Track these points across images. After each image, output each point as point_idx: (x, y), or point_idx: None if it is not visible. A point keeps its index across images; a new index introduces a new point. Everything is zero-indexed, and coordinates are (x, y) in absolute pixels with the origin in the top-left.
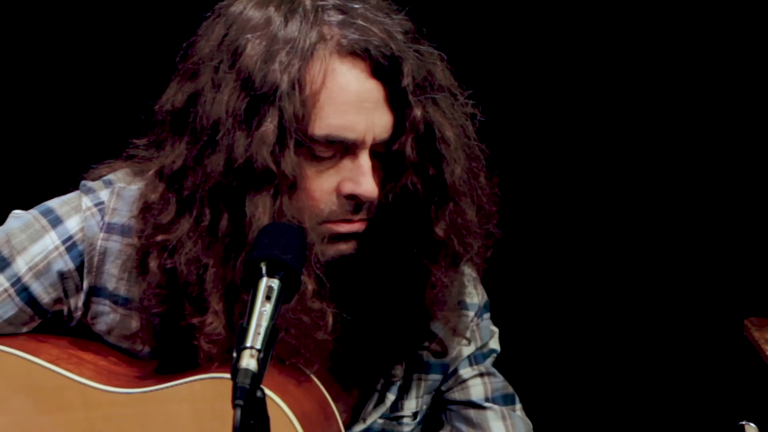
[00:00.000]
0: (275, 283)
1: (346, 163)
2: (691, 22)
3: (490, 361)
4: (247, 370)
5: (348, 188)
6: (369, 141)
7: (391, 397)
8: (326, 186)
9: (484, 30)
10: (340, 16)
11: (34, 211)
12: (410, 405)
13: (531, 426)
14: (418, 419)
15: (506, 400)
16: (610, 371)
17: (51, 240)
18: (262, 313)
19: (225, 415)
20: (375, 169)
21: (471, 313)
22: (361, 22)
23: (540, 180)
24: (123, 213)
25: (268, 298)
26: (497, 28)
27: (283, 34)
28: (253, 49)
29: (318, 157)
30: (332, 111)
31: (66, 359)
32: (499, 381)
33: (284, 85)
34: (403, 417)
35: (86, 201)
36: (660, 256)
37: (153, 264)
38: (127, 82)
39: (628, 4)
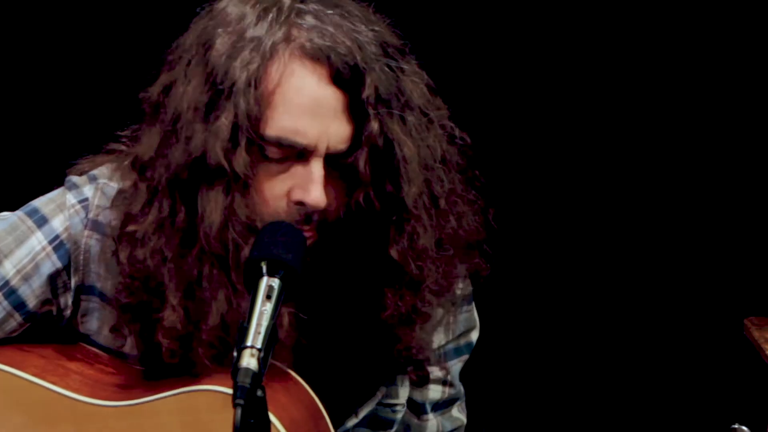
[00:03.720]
0: (276, 282)
1: (299, 169)
2: (690, 22)
3: (458, 364)
4: (247, 369)
5: (297, 195)
6: (322, 149)
7: (382, 389)
8: (277, 190)
9: (476, 34)
10: (313, 21)
11: (19, 212)
12: (404, 393)
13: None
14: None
15: (445, 404)
16: (610, 371)
17: (38, 240)
18: (262, 312)
19: (213, 427)
20: (332, 180)
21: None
22: (330, 29)
23: (539, 181)
24: (106, 210)
25: (268, 297)
26: (489, 32)
27: (252, 32)
28: (222, 44)
29: (269, 158)
30: (285, 113)
31: (52, 371)
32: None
33: (241, 82)
34: (396, 405)
35: (70, 198)
36: (659, 256)
37: (123, 254)
38: (113, 77)
39: (625, 4)
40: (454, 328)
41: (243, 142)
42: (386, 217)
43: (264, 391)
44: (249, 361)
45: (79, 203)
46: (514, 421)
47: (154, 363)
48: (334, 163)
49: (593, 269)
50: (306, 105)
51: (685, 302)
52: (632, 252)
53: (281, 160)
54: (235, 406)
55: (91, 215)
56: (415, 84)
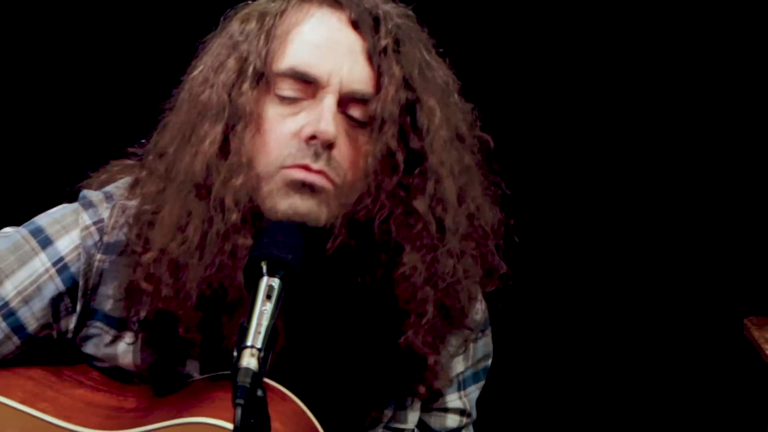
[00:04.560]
0: (276, 282)
1: (311, 108)
2: (691, 23)
3: (476, 392)
4: (247, 369)
5: (307, 130)
6: (335, 84)
7: (388, 413)
8: (287, 129)
9: (490, 34)
10: None
11: (23, 230)
12: (413, 417)
13: None
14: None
15: None
16: (610, 371)
17: (41, 262)
18: (262, 312)
19: None
20: (350, 131)
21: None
22: None
23: (538, 180)
24: (122, 230)
25: (268, 297)
26: (503, 32)
27: (275, 4)
28: (243, 15)
29: (281, 96)
30: (299, 46)
31: (41, 395)
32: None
33: (255, 29)
34: (404, 430)
35: (85, 218)
36: (660, 256)
37: (133, 233)
38: (127, 87)
39: (627, 4)
40: (474, 354)
41: (249, 77)
42: (409, 167)
43: (264, 391)
44: (249, 360)
45: (94, 225)
46: (514, 421)
47: (154, 375)
48: (353, 115)
49: (593, 269)
50: (321, 41)
51: (685, 302)
52: (632, 252)
53: (294, 100)
54: (235, 405)
55: (106, 238)
56: (439, 65)
